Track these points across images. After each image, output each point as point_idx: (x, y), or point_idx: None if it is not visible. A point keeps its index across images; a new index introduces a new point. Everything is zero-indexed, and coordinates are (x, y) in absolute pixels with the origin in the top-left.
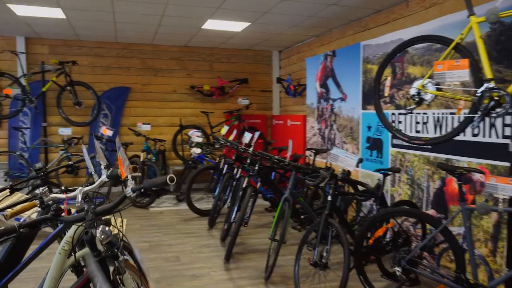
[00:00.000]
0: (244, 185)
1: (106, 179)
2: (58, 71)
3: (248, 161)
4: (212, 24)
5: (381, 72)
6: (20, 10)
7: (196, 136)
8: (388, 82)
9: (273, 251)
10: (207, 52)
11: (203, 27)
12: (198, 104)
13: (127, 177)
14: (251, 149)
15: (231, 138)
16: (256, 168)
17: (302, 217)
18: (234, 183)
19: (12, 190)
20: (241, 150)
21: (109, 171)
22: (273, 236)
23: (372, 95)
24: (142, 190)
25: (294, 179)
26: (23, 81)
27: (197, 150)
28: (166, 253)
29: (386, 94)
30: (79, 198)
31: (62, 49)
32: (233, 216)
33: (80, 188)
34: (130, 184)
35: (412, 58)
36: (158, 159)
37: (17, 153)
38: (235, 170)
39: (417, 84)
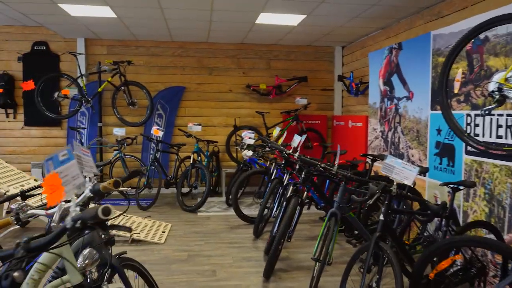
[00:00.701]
0: (288, 194)
1: (90, 194)
2: (113, 71)
3: (297, 166)
4: (265, 18)
5: (449, 64)
6: (73, 10)
7: (248, 137)
8: (459, 76)
9: (317, 272)
10: (264, 49)
11: (257, 21)
12: (254, 104)
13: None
14: (296, 153)
15: (280, 140)
16: (303, 175)
17: (357, 232)
18: (282, 190)
19: (24, 197)
20: (285, 155)
21: (93, 184)
22: (317, 256)
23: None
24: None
25: (343, 190)
26: (80, 81)
27: (248, 153)
28: (202, 265)
29: (456, 91)
30: (57, 216)
31: (119, 49)
32: (276, 227)
33: (61, 204)
34: (73, 211)
35: (494, 48)
36: (211, 161)
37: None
38: (285, 176)
39: (498, 77)
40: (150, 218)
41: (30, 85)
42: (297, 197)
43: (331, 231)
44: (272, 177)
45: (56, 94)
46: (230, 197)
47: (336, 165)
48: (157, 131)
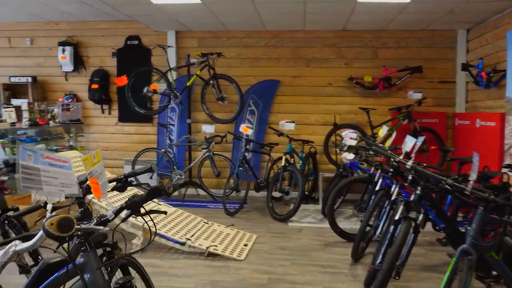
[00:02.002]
0: (397, 216)
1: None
2: (201, 64)
3: (410, 177)
4: None
5: None
6: None
7: (349, 138)
8: None
9: None
10: (369, 36)
11: (359, 0)
12: (357, 99)
13: None
14: (410, 161)
15: (388, 142)
16: (417, 191)
17: (495, 273)
18: (388, 206)
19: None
20: (393, 163)
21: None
22: None
23: None
24: None
25: (481, 219)
26: (169, 76)
27: (349, 156)
28: None
29: None
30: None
31: (210, 41)
32: (380, 256)
33: (13, 243)
34: None
35: None
36: (306, 164)
37: (162, 150)
38: (393, 186)
39: None
40: (233, 227)
41: (123, 80)
42: (409, 221)
43: (464, 277)
44: (377, 187)
45: (145, 89)
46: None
47: (471, 182)
48: (246, 129)
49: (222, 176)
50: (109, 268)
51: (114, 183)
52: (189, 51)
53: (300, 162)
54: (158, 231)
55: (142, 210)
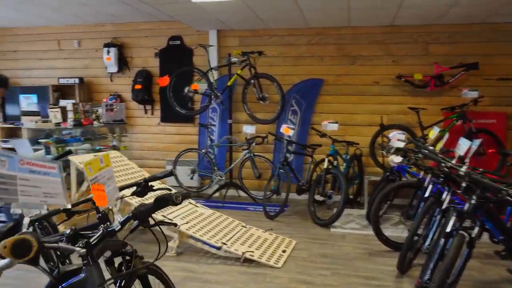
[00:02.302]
0: (449, 228)
1: None
2: (242, 63)
3: (464, 184)
4: None
5: None
6: None
7: (396, 139)
8: None
9: None
10: (420, 31)
11: None
12: (406, 98)
13: None
14: (464, 167)
15: (440, 144)
16: (473, 201)
17: None
18: (439, 215)
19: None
20: (444, 169)
21: None
22: None
23: None
24: None
25: None
26: (210, 75)
27: (396, 159)
28: None
29: None
30: None
31: (252, 40)
32: (429, 271)
33: None
34: None
35: None
36: (351, 166)
37: (203, 150)
38: (445, 193)
39: None
40: (271, 232)
41: (166, 81)
42: (463, 234)
43: None
44: (427, 194)
45: (186, 89)
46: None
47: None
48: (287, 130)
49: (263, 178)
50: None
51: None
52: (230, 50)
53: (344, 164)
54: (194, 234)
55: (152, 221)
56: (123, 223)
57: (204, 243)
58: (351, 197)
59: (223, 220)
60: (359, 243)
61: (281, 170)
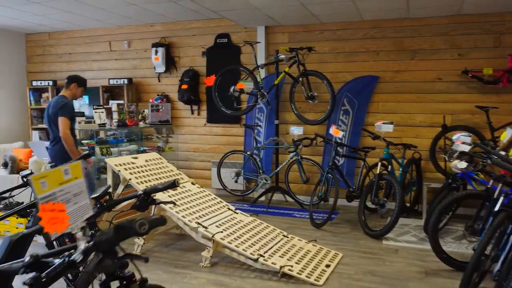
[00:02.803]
0: None
1: None
2: (290, 60)
3: None
4: None
5: None
6: None
7: (461, 142)
8: None
9: None
10: (492, 21)
11: None
12: (474, 95)
13: None
14: None
15: None
16: None
17: None
18: None
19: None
20: None
21: None
22: None
23: None
24: None
25: None
26: (256, 74)
27: (460, 164)
28: None
29: None
30: None
31: (302, 35)
32: None
33: None
34: None
35: None
36: (408, 172)
37: (248, 152)
38: None
39: None
40: (315, 243)
41: (212, 80)
42: None
43: None
44: (498, 207)
45: (231, 89)
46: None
47: None
48: (336, 131)
49: (311, 182)
50: None
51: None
52: (279, 47)
53: (400, 169)
54: (229, 244)
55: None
56: (85, 253)
57: (240, 253)
58: (407, 205)
59: (263, 229)
60: (414, 259)
61: (329, 175)
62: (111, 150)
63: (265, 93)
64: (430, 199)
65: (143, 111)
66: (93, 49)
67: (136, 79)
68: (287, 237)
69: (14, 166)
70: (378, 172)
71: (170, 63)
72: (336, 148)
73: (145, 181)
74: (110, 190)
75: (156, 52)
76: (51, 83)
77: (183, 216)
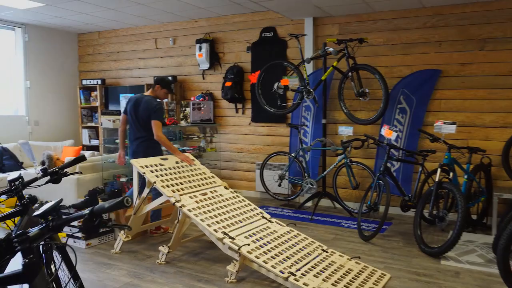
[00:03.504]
0: None
1: None
2: (339, 53)
3: None
4: None
5: None
6: None
7: None
8: None
9: None
10: None
11: None
12: None
13: None
14: None
15: None
16: None
17: None
18: None
19: None
20: None
21: None
22: None
23: None
24: None
25: None
26: (301, 69)
27: None
28: None
29: None
30: None
31: (354, 26)
32: None
33: None
34: None
35: None
36: (474, 179)
37: (292, 154)
38: None
39: None
40: (359, 260)
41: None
42: None
43: None
44: None
45: (275, 85)
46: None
47: None
48: (389, 132)
49: (362, 188)
50: None
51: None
52: (327, 40)
53: (465, 176)
54: (258, 257)
55: None
56: None
57: (269, 270)
58: (474, 217)
59: (299, 241)
60: (479, 285)
61: (380, 181)
62: None
63: (311, 90)
64: (501, 212)
65: (185, 110)
66: (140, 47)
67: (181, 76)
68: (327, 252)
69: (50, 165)
70: (437, 179)
71: (214, 59)
72: (389, 151)
73: (171, 184)
74: (62, 203)
75: (200, 48)
76: (99, 81)
77: (208, 225)
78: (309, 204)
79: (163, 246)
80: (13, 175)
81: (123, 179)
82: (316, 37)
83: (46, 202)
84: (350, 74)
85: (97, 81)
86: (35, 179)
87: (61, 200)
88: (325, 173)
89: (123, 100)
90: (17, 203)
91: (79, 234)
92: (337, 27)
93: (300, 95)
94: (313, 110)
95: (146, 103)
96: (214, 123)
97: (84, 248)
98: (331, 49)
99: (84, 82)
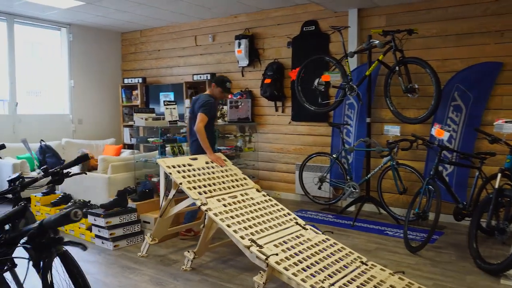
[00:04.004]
0: None
1: None
2: (385, 45)
3: None
4: None
5: None
6: None
7: None
8: None
9: None
10: None
11: None
12: None
13: None
14: None
15: None
16: None
17: None
18: None
19: None
20: None
21: None
22: None
23: None
24: None
25: None
26: (344, 64)
27: None
28: None
29: None
30: None
31: (403, 17)
32: None
33: None
34: None
35: None
36: None
37: (334, 155)
38: None
39: None
40: (403, 276)
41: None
42: None
43: None
44: None
45: (316, 82)
46: None
47: None
48: (440, 132)
49: (410, 193)
50: None
51: None
52: (371, 31)
53: None
54: (287, 269)
55: None
56: None
57: (299, 284)
58: None
59: (335, 251)
60: None
61: (429, 187)
62: (184, 149)
63: (354, 86)
64: None
65: (222, 108)
66: (180, 44)
67: (219, 74)
68: (366, 265)
69: (85, 164)
70: (497, 185)
71: (254, 55)
72: (441, 153)
73: (198, 186)
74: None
75: (239, 44)
76: (140, 80)
77: (235, 231)
78: (352, 208)
79: (188, 252)
80: (14, 174)
81: (155, 179)
82: (360, 30)
83: (79, 201)
84: (397, 68)
85: (138, 80)
86: (35, 180)
87: (25, 207)
88: (369, 176)
89: (163, 98)
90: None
91: (107, 235)
92: (384, 19)
93: (342, 92)
94: (357, 108)
95: (199, 101)
96: (253, 122)
97: (112, 249)
98: (376, 42)
99: (126, 80)
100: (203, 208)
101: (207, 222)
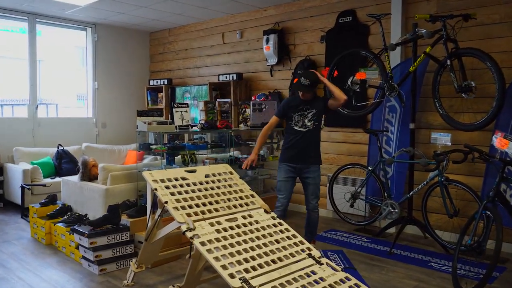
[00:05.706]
0: None
1: None
2: (434, 35)
3: None
4: None
5: None
6: None
7: None
8: None
9: None
10: None
11: None
12: None
13: None
14: None
15: None
16: None
17: None
18: None
19: None
20: None
21: None
22: None
23: None
24: None
25: None
26: (384, 58)
27: None
28: None
29: None
30: None
31: (457, 1)
32: None
33: None
34: None
35: None
36: None
37: (369, 168)
38: None
39: None
40: None
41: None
42: None
43: None
44: None
45: (349, 80)
46: None
47: None
48: (504, 142)
49: (463, 215)
50: None
51: None
52: (422, 22)
53: None
54: None
55: None
56: None
57: None
58: None
59: None
60: None
61: (487, 212)
62: (196, 158)
63: (395, 85)
64: None
65: (245, 111)
66: (207, 43)
67: (247, 74)
68: None
69: (85, 172)
70: None
71: (284, 52)
72: (504, 169)
73: (189, 205)
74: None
75: (268, 40)
76: (165, 81)
77: (223, 266)
78: (393, 230)
79: (173, 286)
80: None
81: None
82: (406, 19)
83: (75, 214)
84: (449, 62)
85: (163, 81)
86: None
87: None
88: (411, 193)
89: (191, 101)
90: None
91: (91, 257)
92: (434, 4)
93: (381, 92)
94: (399, 111)
95: None
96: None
97: (97, 274)
98: (423, 31)
99: (151, 82)
100: (188, 234)
101: (194, 251)
